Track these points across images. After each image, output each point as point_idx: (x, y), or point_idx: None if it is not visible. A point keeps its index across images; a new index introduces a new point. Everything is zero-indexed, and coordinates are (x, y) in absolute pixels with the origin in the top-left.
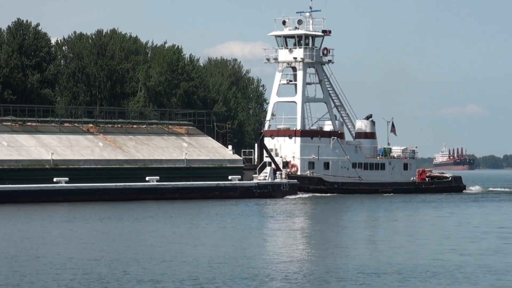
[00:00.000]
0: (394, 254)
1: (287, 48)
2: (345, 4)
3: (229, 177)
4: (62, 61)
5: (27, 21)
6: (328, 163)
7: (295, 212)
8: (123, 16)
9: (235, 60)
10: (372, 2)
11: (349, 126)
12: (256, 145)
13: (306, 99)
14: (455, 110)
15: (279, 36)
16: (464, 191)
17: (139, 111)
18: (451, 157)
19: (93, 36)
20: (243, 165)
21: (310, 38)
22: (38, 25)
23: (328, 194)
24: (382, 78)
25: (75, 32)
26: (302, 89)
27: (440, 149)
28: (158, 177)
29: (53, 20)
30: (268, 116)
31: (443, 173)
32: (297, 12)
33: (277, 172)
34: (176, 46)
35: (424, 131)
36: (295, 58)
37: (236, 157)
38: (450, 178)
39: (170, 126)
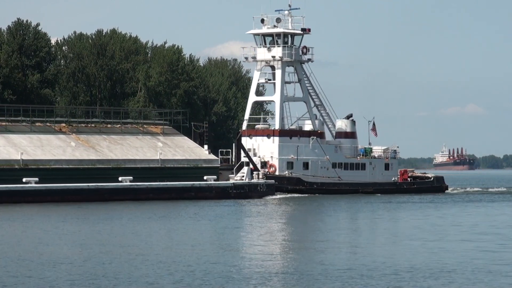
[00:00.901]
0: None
1: (266, 47)
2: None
3: (205, 178)
4: (62, 61)
5: (27, 21)
6: (307, 163)
7: (268, 213)
8: (123, 16)
9: (235, 60)
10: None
11: (330, 126)
12: (233, 145)
13: (285, 98)
14: (455, 110)
15: (258, 34)
16: (446, 191)
17: (113, 110)
18: (451, 157)
19: (93, 36)
20: (219, 165)
21: (289, 36)
22: (38, 25)
23: (307, 195)
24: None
25: (75, 32)
26: (280, 88)
27: (440, 149)
28: (131, 177)
29: (53, 20)
30: (246, 116)
31: (425, 173)
32: (276, 10)
33: (254, 172)
34: (176, 46)
35: (424, 131)
36: (273, 56)
37: (212, 157)
38: (432, 178)
39: (145, 126)
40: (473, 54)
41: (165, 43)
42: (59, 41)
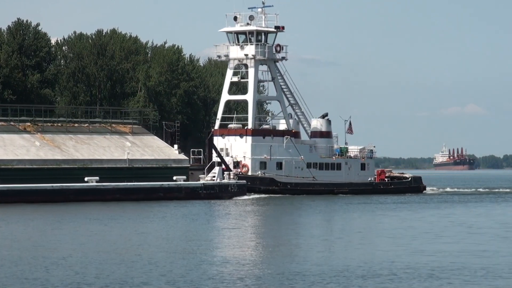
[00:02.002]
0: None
1: (239, 45)
2: None
3: (174, 178)
4: (62, 61)
5: (27, 21)
6: (281, 163)
7: (233, 214)
8: (123, 16)
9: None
10: None
11: (305, 125)
12: (205, 144)
13: (258, 97)
14: (455, 110)
15: (230, 32)
16: (424, 191)
17: (84, 110)
18: (451, 157)
19: (93, 36)
20: (189, 165)
21: (263, 34)
22: (38, 25)
23: (281, 195)
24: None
25: (75, 32)
26: (253, 87)
27: (440, 149)
28: (97, 178)
29: (53, 20)
30: (219, 115)
31: (402, 173)
32: (249, 8)
33: (225, 173)
34: (176, 46)
35: (423, 131)
36: (246, 55)
37: (182, 156)
38: (410, 178)
39: (114, 125)
40: (473, 54)
41: (165, 43)
42: (59, 41)
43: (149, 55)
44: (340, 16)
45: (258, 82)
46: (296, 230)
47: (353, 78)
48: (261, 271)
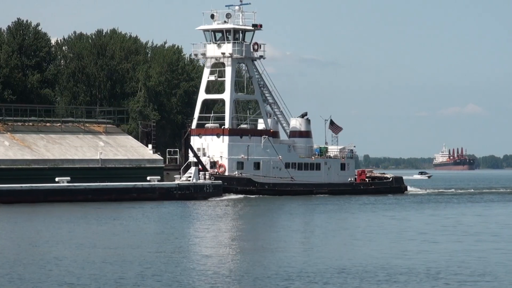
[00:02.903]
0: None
1: (216, 43)
2: None
3: (148, 178)
4: (62, 61)
5: (27, 21)
6: (258, 163)
7: (203, 215)
8: (123, 16)
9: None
10: None
11: (284, 125)
12: (181, 144)
13: (235, 96)
14: (455, 110)
15: (207, 30)
16: (405, 192)
17: (52, 108)
18: (451, 157)
19: (93, 36)
20: (163, 165)
21: (240, 32)
22: (38, 25)
23: (258, 196)
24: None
25: (75, 32)
26: (230, 86)
27: (440, 149)
28: (69, 178)
29: (53, 20)
30: (196, 114)
31: (384, 173)
32: (226, 6)
33: (201, 173)
34: (176, 46)
35: (423, 131)
36: (223, 53)
37: (156, 156)
38: (391, 179)
39: (87, 125)
40: (474, 54)
41: (165, 43)
42: (59, 41)
43: (149, 55)
44: (338, 16)
45: (235, 81)
46: (267, 232)
47: (353, 78)
48: (229, 277)
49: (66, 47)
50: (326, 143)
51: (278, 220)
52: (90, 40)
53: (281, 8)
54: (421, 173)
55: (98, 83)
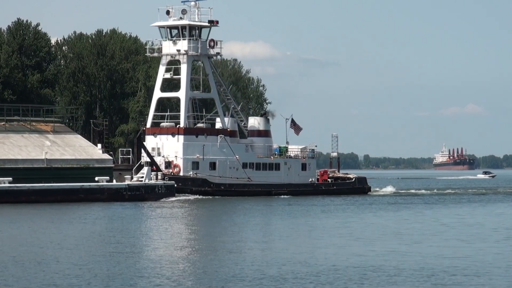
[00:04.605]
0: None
1: (171, 40)
2: None
3: (96, 179)
4: (62, 61)
5: (27, 21)
6: (214, 163)
7: (146, 217)
8: (123, 16)
9: (235, 60)
10: None
11: (243, 124)
12: (134, 143)
13: (191, 95)
14: (455, 110)
15: (163, 27)
16: (369, 193)
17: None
18: (451, 157)
19: (93, 36)
20: (113, 165)
21: (196, 29)
22: (38, 25)
23: (213, 197)
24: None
25: (75, 32)
26: (186, 84)
27: (440, 149)
28: (11, 179)
29: (53, 20)
30: (151, 113)
31: (347, 173)
32: (182, 1)
33: (152, 173)
34: None
35: (423, 131)
36: (178, 50)
37: (106, 156)
38: (354, 179)
39: (34, 124)
40: (474, 54)
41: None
42: (59, 41)
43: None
44: (339, 16)
45: (191, 79)
46: (209, 234)
47: (353, 78)
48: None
49: (66, 47)
50: (287, 143)
51: (221, 221)
52: (90, 40)
53: (281, 8)
54: (485, 173)
55: (98, 83)
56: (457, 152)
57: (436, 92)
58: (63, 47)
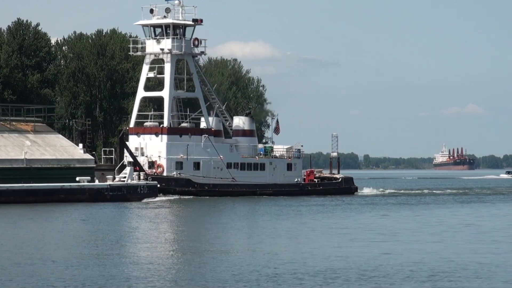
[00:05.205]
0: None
1: (155, 39)
2: None
3: (77, 179)
4: (62, 61)
5: (27, 21)
6: (198, 163)
7: (126, 217)
8: (123, 16)
9: (235, 60)
10: None
11: (228, 124)
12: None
13: (175, 94)
14: (455, 110)
15: (146, 25)
16: (356, 193)
17: None
18: (451, 157)
19: (93, 36)
20: (94, 165)
21: (180, 28)
22: (38, 25)
23: (197, 197)
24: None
25: (75, 32)
26: (169, 83)
27: (440, 149)
28: None
29: (53, 20)
30: (134, 112)
31: (333, 173)
32: (166, 0)
33: (134, 173)
34: None
35: (423, 131)
36: (162, 49)
37: (87, 156)
38: (340, 179)
39: (14, 123)
40: (474, 54)
41: None
42: (59, 41)
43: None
44: (339, 16)
45: (174, 77)
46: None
47: (353, 78)
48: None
49: (66, 47)
50: (273, 142)
51: (202, 222)
52: (90, 40)
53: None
54: (508, 173)
55: (98, 83)
56: (457, 152)
57: (436, 92)
58: (63, 47)
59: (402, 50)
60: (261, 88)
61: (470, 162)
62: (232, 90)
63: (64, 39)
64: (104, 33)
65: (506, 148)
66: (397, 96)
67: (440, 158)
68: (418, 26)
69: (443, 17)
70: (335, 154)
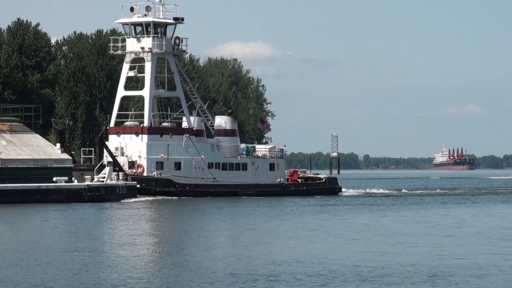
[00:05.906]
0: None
1: (136, 37)
2: None
3: (54, 179)
4: (62, 61)
5: (27, 21)
6: (179, 163)
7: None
8: (123, 16)
9: (235, 60)
10: None
11: (210, 123)
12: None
13: (155, 93)
14: (455, 110)
15: (126, 24)
16: (340, 193)
17: None
18: (451, 157)
19: (93, 36)
20: (72, 165)
21: (161, 26)
22: (38, 25)
23: (177, 198)
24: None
25: (75, 32)
26: (150, 82)
27: (440, 149)
28: None
29: (53, 20)
30: (114, 112)
31: (317, 174)
32: None
33: (113, 173)
34: None
35: (423, 131)
36: (142, 48)
37: (65, 156)
38: (324, 179)
39: None
40: (474, 54)
41: None
42: (59, 41)
43: None
44: (338, 16)
45: (155, 76)
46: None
47: (353, 78)
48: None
49: (66, 47)
50: (255, 142)
51: (180, 223)
52: (90, 40)
53: (281, 8)
54: None
55: (98, 83)
56: (457, 152)
57: (436, 92)
58: (63, 47)
59: (402, 50)
60: (261, 88)
61: (470, 162)
62: (232, 90)
63: (64, 39)
64: (104, 33)
65: (506, 148)
66: (397, 96)
67: (440, 158)
68: (418, 26)
69: (443, 17)
70: (335, 154)
